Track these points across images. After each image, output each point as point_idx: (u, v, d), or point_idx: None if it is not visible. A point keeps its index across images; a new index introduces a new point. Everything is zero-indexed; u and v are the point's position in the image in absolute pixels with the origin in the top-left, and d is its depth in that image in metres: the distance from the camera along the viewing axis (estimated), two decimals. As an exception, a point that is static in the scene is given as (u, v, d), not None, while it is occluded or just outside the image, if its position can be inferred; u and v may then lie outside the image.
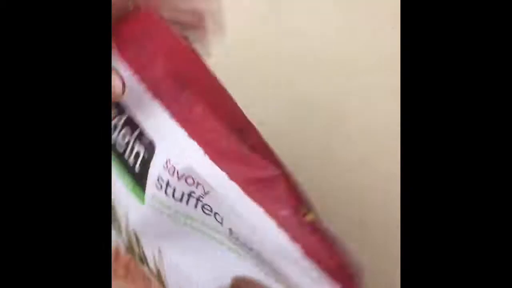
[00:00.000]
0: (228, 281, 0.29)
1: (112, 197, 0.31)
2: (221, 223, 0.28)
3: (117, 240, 0.32)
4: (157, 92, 0.29)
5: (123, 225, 0.31)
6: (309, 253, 0.25)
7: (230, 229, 0.27)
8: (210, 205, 0.28)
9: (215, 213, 0.28)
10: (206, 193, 0.27)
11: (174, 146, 0.28)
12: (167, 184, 0.28)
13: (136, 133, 0.30)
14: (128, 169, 0.30)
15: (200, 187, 0.27)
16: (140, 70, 0.29)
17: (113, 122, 0.31)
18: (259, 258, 0.27)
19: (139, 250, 0.31)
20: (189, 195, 0.28)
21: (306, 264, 0.25)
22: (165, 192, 0.28)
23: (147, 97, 0.29)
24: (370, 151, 0.42)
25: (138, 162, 0.29)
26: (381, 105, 0.40)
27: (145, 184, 0.29)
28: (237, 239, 0.27)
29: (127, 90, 0.28)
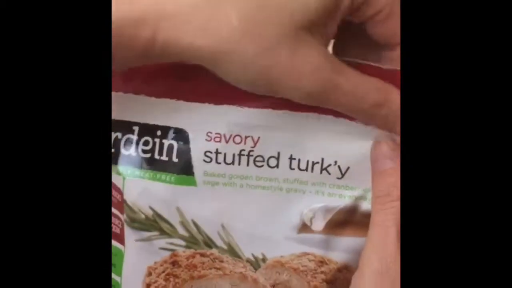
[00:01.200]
0: (298, 219, 0.31)
1: (150, 206, 0.31)
2: (277, 165, 0.30)
3: (170, 245, 0.32)
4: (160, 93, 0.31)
5: (176, 222, 0.31)
6: None
7: (291, 157, 0.30)
8: (262, 154, 0.30)
9: (269, 158, 0.30)
10: (256, 143, 0.30)
11: (207, 119, 0.30)
12: (217, 152, 0.30)
13: (158, 133, 0.31)
14: (165, 166, 0.31)
15: (248, 140, 0.30)
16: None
17: (123, 139, 0.31)
18: (323, 172, 0.30)
19: (203, 236, 0.31)
20: (240, 154, 0.30)
21: None
22: (216, 161, 0.30)
23: (152, 101, 0.31)
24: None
25: (174, 153, 0.31)
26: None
27: (191, 168, 0.30)
28: (298, 165, 0.30)
29: None
